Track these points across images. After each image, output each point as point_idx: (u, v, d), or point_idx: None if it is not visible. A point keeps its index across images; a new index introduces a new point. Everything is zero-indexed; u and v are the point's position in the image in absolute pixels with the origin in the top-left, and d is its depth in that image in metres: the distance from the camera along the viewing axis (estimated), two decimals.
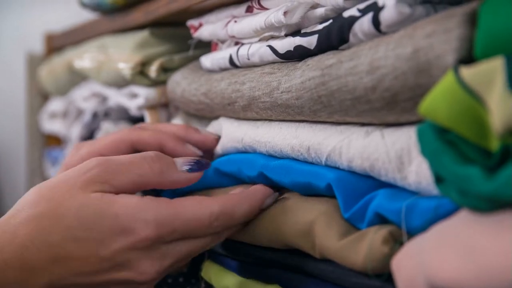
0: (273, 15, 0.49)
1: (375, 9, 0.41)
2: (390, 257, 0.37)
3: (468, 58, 0.34)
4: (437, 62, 0.36)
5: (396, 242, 0.38)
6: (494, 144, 0.31)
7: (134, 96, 0.74)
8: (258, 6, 0.53)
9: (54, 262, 0.44)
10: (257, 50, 0.53)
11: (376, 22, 0.41)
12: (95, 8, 0.82)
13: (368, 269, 0.39)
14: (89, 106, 0.86)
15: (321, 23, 0.47)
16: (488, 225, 0.30)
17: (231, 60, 0.57)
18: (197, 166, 0.50)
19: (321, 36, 0.46)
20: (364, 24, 0.42)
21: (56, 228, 0.44)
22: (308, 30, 0.48)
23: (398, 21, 0.40)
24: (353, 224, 0.43)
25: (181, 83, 0.63)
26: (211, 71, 0.61)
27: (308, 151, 0.48)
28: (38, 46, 1.19)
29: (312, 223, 0.44)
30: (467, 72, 0.32)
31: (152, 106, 0.72)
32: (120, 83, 0.75)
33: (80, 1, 0.83)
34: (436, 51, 0.36)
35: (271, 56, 0.51)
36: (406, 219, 0.37)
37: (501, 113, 0.29)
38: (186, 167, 0.50)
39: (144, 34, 0.73)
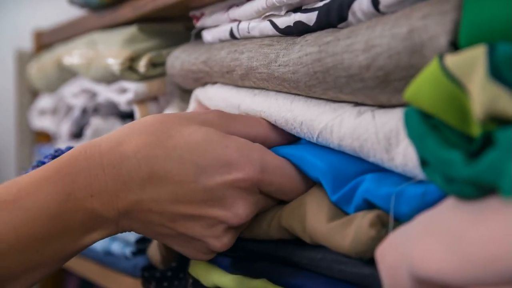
0: None
1: None
2: (377, 240, 0.38)
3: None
4: (430, 43, 0.36)
5: (383, 226, 0.38)
6: (476, 131, 0.31)
7: (123, 91, 0.74)
8: None
9: (150, 179, 0.43)
10: (258, 25, 0.53)
11: (375, 2, 0.41)
12: (83, 4, 0.82)
13: (354, 252, 0.39)
14: (79, 102, 0.86)
15: (321, 0, 0.47)
16: (472, 215, 0.30)
17: (231, 33, 0.58)
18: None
19: (321, 13, 0.46)
20: (364, 3, 0.42)
21: (162, 145, 0.44)
22: (309, 6, 0.48)
23: (397, 1, 0.40)
24: (340, 208, 0.43)
25: (180, 56, 0.63)
26: (211, 43, 0.61)
27: (301, 126, 0.48)
28: (27, 43, 1.18)
29: (305, 206, 0.45)
30: (450, 59, 0.32)
31: (141, 101, 0.72)
32: (109, 78, 0.75)
33: None
34: (430, 33, 0.36)
35: (271, 31, 0.52)
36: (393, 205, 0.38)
37: (482, 99, 0.29)
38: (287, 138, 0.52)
39: (132, 30, 0.73)
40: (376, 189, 0.40)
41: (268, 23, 0.52)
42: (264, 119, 0.51)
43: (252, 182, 0.45)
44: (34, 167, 0.56)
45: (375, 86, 0.41)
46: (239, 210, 0.45)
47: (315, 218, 0.43)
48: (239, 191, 0.45)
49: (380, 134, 0.41)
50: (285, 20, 0.50)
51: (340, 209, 0.43)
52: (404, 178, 0.40)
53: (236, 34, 0.57)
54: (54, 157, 0.51)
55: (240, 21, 0.56)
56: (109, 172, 0.43)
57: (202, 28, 0.63)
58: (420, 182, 0.38)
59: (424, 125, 0.33)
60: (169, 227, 0.45)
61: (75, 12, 0.91)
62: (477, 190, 0.30)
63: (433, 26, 0.36)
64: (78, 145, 0.45)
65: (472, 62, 0.31)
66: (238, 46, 0.55)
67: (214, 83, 0.60)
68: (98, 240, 0.45)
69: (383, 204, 0.39)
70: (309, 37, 0.47)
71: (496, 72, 0.29)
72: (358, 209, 0.42)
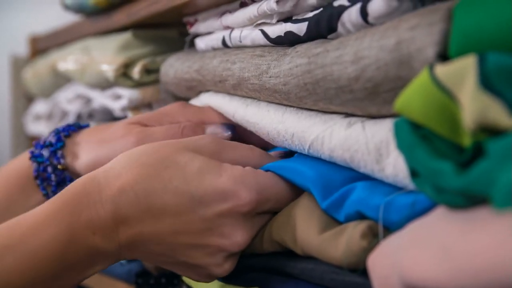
0: (265, 3, 0.50)
1: (362, 0, 0.42)
2: (369, 251, 0.38)
3: (447, 52, 0.35)
4: (418, 55, 0.36)
5: (374, 236, 0.38)
6: (467, 141, 0.31)
7: (117, 97, 0.74)
8: (250, 2, 0.53)
9: (148, 212, 0.43)
10: (249, 34, 0.54)
11: (364, 13, 0.41)
12: (78, 10, 0.82)
13: (346, 263, 0.39)
14: (74, 107, 0.86)
15: (312, 10, 0.47)
16: (462, 225, 0.30)
17: (223, 41, 0.58)
18: (287, 156, 0.52)
19: (311, 23, 0.47)
20: (352, 14, 0.42)
21: (159, 177, 0.44)
22: (299, 17, 0.48)
23: (385, 13, 0.40)
24: (330, 214, 0.43)
25: (174, 64, 0.64)
26: (204, 52, 0.62)
27: (292, 138, 0.48)
28: (22, 48, 1.18)
29: (295, 218, 0.45)
30: (441, 69, 0.32)
31: (135, 107, 0.72)
32: (103, 84, 0.75)
33: (63, 3, 0.83)
34: (418, 44, 0.36)
35: (263, 40, 0.52)
36: (383, 215, 0.38)
37: (473, 109, 0.29)
38: (279, 156, 0.52)
39: (126, 36, 0.73)
40: (367, 199, 0.40)
41: (259, 32, 0.52)
42: (256, 148, 0.51)
43: (250, 207, 0.45)
44: (40, 145, 0.58)
45: (364, 98, 0.41)
46: (237, 238, 0.45)
47: (306, 231, 0.43)
48: (237, 218, 0.45)
49: (370, 144, 0.41)
50: (276, 30, 0.50)
51: (331, 219, 0.43)
52: (395, 186, 0.40)
53: (228, 42, 0.57)
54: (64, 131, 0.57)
55: (232, 29, 0.56)
56: (108, 209, 0.43)
57: (196, 35, 0.63)
58: (410, 192, 0.38)
59: (414, 135, 0.33)
60: (170, 256, 0.46)
61: (70, 18, 0.91)
62: (467, 200, 0.31)
63: (421, 38, 0.36)
64: (79, 179, 0.46)
65: (462, 72, 0.31)
66: (230, 55, 0.55)
67: (207, 91, 0.60)
68: (101, 270, 0.46)
69: (374, 215, 0.39)
70: (300, 48, 0.47)
71: (486, 82, 0.29)
72: (349, 217, 0.41)
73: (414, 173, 0.34)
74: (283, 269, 0.47)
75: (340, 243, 0.39)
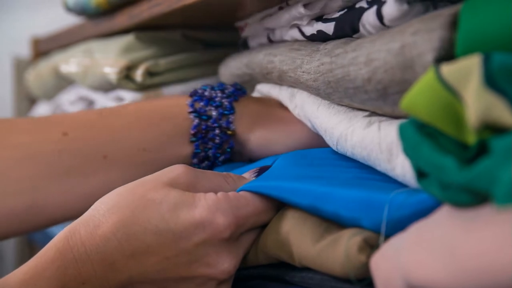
0: (294, 8, 0.52)
1: (379, 2, 0.43)
2: (368, 264, 0.38)
3: (447, 58, 0.35)
4: (419, 60, 0.37)
5: (372, 248, 0.38)
6: (471, 139, 0.32)
7: (120, 100, 0.74)
8: (285, 5, 0.55)
9: (133, 256, 0.43)
10: (289, 31, 0.56)
11: (379, 15, 0.43)
12: (80, 12, 0.82)
13: (347, 275, 0.39)
14: (76, 110, 0.86)
15: (339, 11, 0.48)
16: (465, 225, 0.30)
17: (268, 37, 0.60)
18: (261, 172, 0.52)
19: (337, 24, 0.48)
20: (370, 16, 0.44)
21: (137, 220, 0.44)
22: (329, 16, 0.50)
23: (397, 16, 0.41)
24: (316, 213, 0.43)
25: (229, 63, 0.66)
26: (253, 48, 0.64)
27: (325, 133, 0.50)
28: (25, 50, 1.19)
29: (288, 233, 0.45)
30: (446, 68, 0.32)
31: None
32: (106, 87, 0.75)
33: (66, 5, 0.83)
34: (419, 49, 0.37)
35: (300, 37, 0.54)
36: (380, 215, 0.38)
37: (477, 107, 0.29)
38: (253, 176, 0.52)
39: (129, 38, 0.73)
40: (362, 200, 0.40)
41: (296, 29, 0.54)
42: (231, 174, 0.51)
43: (230, 230, 0.45)
44: (205, 100, 0.59)
45: (377, 98, 0.42)
46: (224, 265, 0.45)
47: (301, 244, 0.43)
48: (219, 245, 0.45)
49: (383, 144, 0.42)
50: (309, 29, 0.52)
51: (323, 225, 0.43)
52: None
53: (272, 38, 0.59)
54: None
55: (274, 29, 0.58)
56: (94, 258, 0.43)
57: (246, 38, 0.65)
58: (403, 192, 0.38)
59: (419, 134, 0.33)
60: None
61: (72, 20, 0.91)
62: (472, 197, 0.31)
63: (421, 43, 0.37)
64: (60, 234, 0.45)
65: (467, 71, 0.31)
66: (272, 49, 0.58)
67: (261, 83, 0.63)
68: None
69: (371, 224, 0.39)
70: (327, 46, 0.49)
71: (491, 80, 0.30)
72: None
73: (420, 174, 0.34)
74: (282, 277, 0.47)
75: (337, 255, 0.39)
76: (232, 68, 0.65)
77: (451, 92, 0.32)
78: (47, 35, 1.06)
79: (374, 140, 0.43)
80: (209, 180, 0.48)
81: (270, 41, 0.60)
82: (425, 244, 0.32)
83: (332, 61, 0.46)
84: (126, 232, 0.43)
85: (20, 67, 1.13)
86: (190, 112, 0.58)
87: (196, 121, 0.57)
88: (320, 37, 0.51)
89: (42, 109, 0.99)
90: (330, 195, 0.42)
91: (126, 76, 0.70)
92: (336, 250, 0.40)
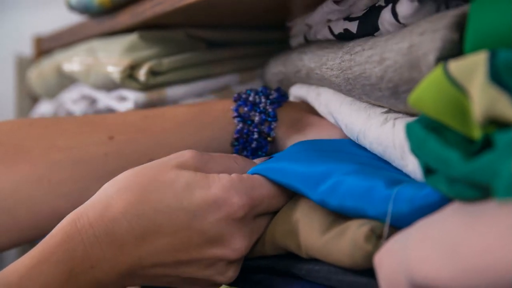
0: (326, 4, 0.53)
1: (394, 0, 0.44)
2: (374, 253, 0.38)
3: (451, 58, 0.35)
4: (424, 59, 0.38)
5: (378, 238, 0.38)
6: (477, 134, 0.32)
7: (123, 99, 0.74)
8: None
9: (143, 237, 0.43)
10: (321, 29, 0.56)
11: (394, 13, 0.44)
12: (83, 10, 0.82)
13: (354, 266, 0.39)
14: (78, 108, 0.86)
15: (364, 10, 0.49)
16: (470, 223, 0.30)
17: (305, 37, 0.61)
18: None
19: (360, 22, 0.49)
20: (387, 14, 0.45)
21: (148, 200, 0.44)
22: (354, 15, 0.51)
23: (410, 14, 0.42)
24: (324, 206, 0.43)
25: (270, 62, 0.68)
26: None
27: (346, 128, 0.51)
28: (27, 48, 1.19)
29: (296, 222, 0.45)
30: (453, 64, 0.33)
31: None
32: (109, 86, 0.75)
33: (68, 3, 0.83)
34: (424, 49, 0.38)
35: (330, 37, 0.55)
36: (382, 208, 0.38)
37: (482, 102, 0.30)
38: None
39: (132, 37, 0.73)
40: (366, 192, 0.40)
41: (327, 29, 0.55)
42: (239, 157, 0.52)
43: (244, 211, 0.45)
44: (249, 105, 0.59)
45: (390, 96, 0.43)
46: (237, 244, 0.45)
47: (308, 234, 0.43)
48: (233, 225, 0.45)
49: (396, 141, 0.43)
50: (338, 27, 0.53)
51: (332, 216, 0.43)
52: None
53: (308, 37, 0.60)
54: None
55: (311, 26, 0.59)
56: (103, 240, 0.43)
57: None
58: (409, 184, 0.39)
59: (425, 131, 0.33)
60: (172, 275, 0.46)
61: (74, 19, 0.91)
62: (478, 191, 0.31)
63: (426, 43, 0.38)
64: (65, 218, 0.45)
65: (473, 67, 0.32)
66: (304, 47, 0.60)
67: (294, 83, 0.64)
68: None
69: (376, 212, 0.39)
70: (350, 44, 0.50)
71: (496, 76, 0.30)
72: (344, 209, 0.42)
73: (427, 171, 0.34)
74: (289, 270, 0.47)
75: (344, 245, 0.40)
76: (271, 67, 0.67)
77: (458, 87, 0.32)
78: (49, 33, 1.06)
79: (389, 137, 0.44)
80: (217, 163, 0.49)
81: (306, 41, 0.61)
82: (430, 241, 0.32)
83: (351, 58, 0.47)
84: (136, 212, 0.43)
85: (23, 66, 1.13)
86: (235, 117, 0.59)
87: (240, 125, 0.58)
88: (347, 36, 0.52)
89: (44, 108, 0.99)
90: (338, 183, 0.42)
91: (130, 75, 0.70)
92: (343, 240, 0.40)
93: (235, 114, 0.59)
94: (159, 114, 0.60)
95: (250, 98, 0.60)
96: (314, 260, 0.44)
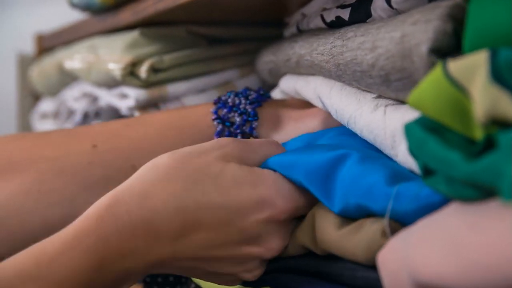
0: None
1: None
2: None
3: (443, 48, 0.36)
4: (416, 50, 0.37)
5: (393, 234, 0.38)
6: (478, 134, 0.32)
7: (124, 96, 0.74)
8: None
9: (182, 231, 0.42)
10: (313, 19, 0.57)
11: None
12: (84, 8, 0.82)
13: (370, 261, 0.39)
14: (80, 106, 0.86)
15: None
16: (472, 221, 0.30)
17: (297, 27, 0.61)
18: None
19: (353, 9, 0.49)
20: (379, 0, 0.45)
21: (190, 193, 0.42)
22: (346, 2, 0.51)
23: None
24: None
25: (262, 52, 0.69)
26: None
27: (336, 114, 0.51)
28: (29, 46, 1.19)
29: (313, 217, 0.45)
30: (453, 64, 0.33)
31: (142, 107, 0.72)
32: (110, 83, 0.75)
33: (70, 1, 0.83)
34: (416, 39, 0.37)
35: (322, 25, 0.55)
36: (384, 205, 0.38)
37: (483, 103, 0.30)
38: None
39: (134, 35, 0.73)
40: (369, 188, 0.40)
41: (319, 17, 0.55)
42: (274, 141, 0.51)
43: (287, 214, 0.45)
44: (228, 107, 0.59)
45: (381, 83, 0.43)
46: (273, 245, 0.45)
47: (324, 228, 0.43)
48: (274, 226, 0.45)
49: (387, 130, 0.43)
50: (330, 15, 0.53)
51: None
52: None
53: (300, 27, 0.61)
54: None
55: (305, 16, 0.60)
56: (139, 230, 0.41)
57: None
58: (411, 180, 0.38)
59: (425, 131, 0.33)
60: (201, 268, 0.45)
61: (76, 16, 0.91)
62: (478, 192, 0.31)
63: (418, 33, 0.37)
64: (102, 200, 0.43)
65: (474, 67, 0.31)
66: (295, 36, 0.60)
67: (283, 73, 0.64)
68: None
69: (378, 207, 0.39)
70: (342, 30, 0.50)
71: (497, 75, 0.30)
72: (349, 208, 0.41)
73: (426, 172, 0.34)
74: (300, 268, 0.47)
75: (359, 240, 0.39)
76: (263, 56, 0.67)
77: (458, 88, 0.32)
78: (51, 31, 1.06)
79: (380, 125, 0.44)
80: (256, 152, 0.48)
81: (299, 30, 0.61)
82: (432, 239, 0.32)
83: (343, 44, 0.47)
84: (178, 205, 0.42)
85: (24, 63, 1.13)
86: (214, 119, 0.59)
87: (220, 127, 0.58)
88: (338, 24, 0.52)
89: (46, 106, 0.99)
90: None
91: (131, 72, 0.70)
92: (359, 235, 0.40)
93: (214, 116, 0.59)
94: (141, 121, 0.60)
95: (229, 100, 0.60)
96: (326, 257, 0.44)
